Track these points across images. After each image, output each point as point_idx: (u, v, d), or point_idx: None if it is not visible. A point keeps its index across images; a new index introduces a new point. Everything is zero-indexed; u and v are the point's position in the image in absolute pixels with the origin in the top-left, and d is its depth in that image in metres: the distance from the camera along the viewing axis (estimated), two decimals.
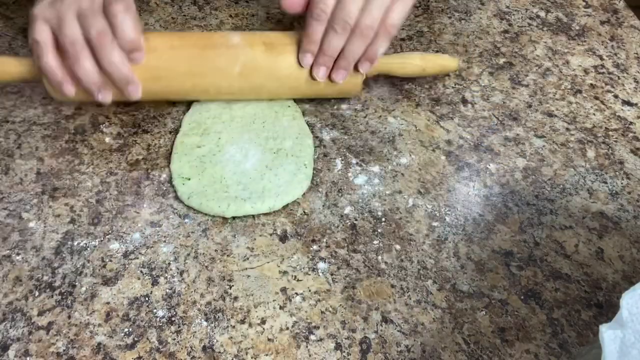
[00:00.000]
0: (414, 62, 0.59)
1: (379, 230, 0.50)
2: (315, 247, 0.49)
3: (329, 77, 0.55)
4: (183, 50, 0.53)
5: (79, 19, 0.48)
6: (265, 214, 0.51)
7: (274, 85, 0.56)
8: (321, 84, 0.55)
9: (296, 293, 0.46)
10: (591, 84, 0.64)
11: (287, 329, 0.44)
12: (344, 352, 0.43)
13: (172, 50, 0.53)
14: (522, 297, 0.47)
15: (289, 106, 0.58)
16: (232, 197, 0.50)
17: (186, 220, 0.50)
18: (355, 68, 0.55)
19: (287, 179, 0.52)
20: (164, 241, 0.49)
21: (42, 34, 0.49)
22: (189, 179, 0.52)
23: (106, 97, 0.51)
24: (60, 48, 0.49)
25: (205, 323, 0.44)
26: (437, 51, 0.66)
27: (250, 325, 0.44)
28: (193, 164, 0.53)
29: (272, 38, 0.55)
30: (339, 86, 0.55)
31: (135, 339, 0.43)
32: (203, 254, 0.48)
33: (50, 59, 0.49)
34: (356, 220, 0.51)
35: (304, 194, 0.52)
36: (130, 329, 0.44)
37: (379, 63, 0.56)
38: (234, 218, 0.50)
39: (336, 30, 0.51)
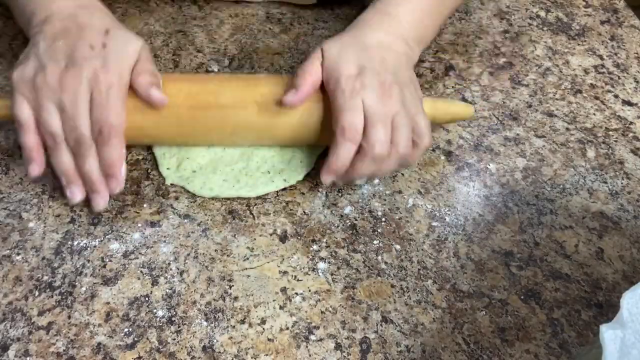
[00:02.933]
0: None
1: (379, 230, 0.50)
2: (315, 247, 0.49)
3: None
4: (170, 110, 0.49)
5: (60, 113, 0.45)
6: (265, 214, 0.51)
7: (269, 142, 0.54)
8: (316, 137, 0.52)
9: (296, 293, 0.46)
10: (591, 84, 0.64)
11: (287, 329, 0.44)
12: (344, 352, 0.43)
13: (159, 112, 0.49)
14: (522, 297, 0.47)
15: None
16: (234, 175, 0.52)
17: (186, 220, 0.50)
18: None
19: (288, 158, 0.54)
20: (164, 241, 0.49)
21: (22, 112, 0.46)
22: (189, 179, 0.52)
23: (75, 193, 0.48)
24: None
25: (205, 323, 0.44)
26: (436, 52, 0.66)
27: (250, 325, 0.44)
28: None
29: (267, 94, 0.50)
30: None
31: (135, 339, 0.43)
32: (203, 254, 0.48)
33: (28, 140, 0.46)
34: (356, 220, 0.51)
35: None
36: (130, 329, 0.44)
37: None
38: (233, 218, 0.50)
39: (375, 157, 0.47)
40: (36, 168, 0.47)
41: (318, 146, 0.54)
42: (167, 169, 0.53)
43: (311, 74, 0.49)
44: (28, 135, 0.46)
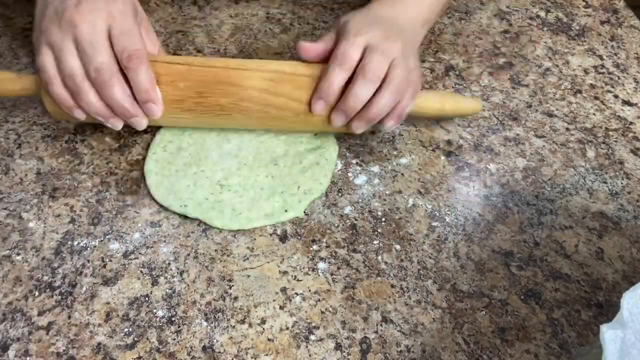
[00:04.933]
0: (432, 104, 0.55)
1: (379, 230, 0.50)
2: (315, 247, 0.49)
3: (348, 125, 0.51)
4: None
5: (77, 48, 0.46)
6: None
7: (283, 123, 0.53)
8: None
9: (296, 293, 0.46)
10: (591, 84, 0.64)
11: (287, 329, 0.44)
12: (344, 352, 0.43)
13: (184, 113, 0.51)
14: (522, 297, 0.47)
15: None
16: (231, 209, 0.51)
17: (186, 220, 0.50)
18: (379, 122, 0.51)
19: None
20: (164, 241, 0.49)
21: (46, 61, 0.46)
22: (187, 206, 0.50)
23: (116, 124, 0.49)
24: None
25: (205, 323, 0.44)
26: (436, 52, 0.66)
27: (250, 325, 0.44)
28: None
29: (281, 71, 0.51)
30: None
31: (135, 339, 0.43)
32: (203, 254, 0.48)
33: (57, 88, 0.47)
34: (356, 220, 0.51)
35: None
36: (130, 329, 0.44)
37: None
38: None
39: (368, 79, 0.48)
40: (79, 112, 0.48)
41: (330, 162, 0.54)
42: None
43: (326, 42, 0.52)
44: (54, 84, 0.47)
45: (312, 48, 0.51)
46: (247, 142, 0.55)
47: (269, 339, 0.44)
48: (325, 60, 0.51)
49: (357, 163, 0.55)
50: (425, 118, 0.58)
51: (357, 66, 0.49)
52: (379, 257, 0.49)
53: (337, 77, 0.49)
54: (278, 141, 0.55)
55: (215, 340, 0.43)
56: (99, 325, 0.44)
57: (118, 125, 0.50)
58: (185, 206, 0.50)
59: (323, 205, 0.52)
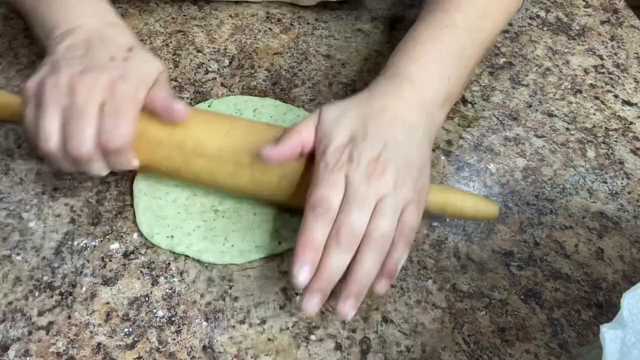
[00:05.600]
0: (455, 204, 0.47)
1: None
2: None
3: (331, 307, 0.43)
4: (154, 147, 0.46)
5: (61, 119, 0.42)
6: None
7: (251, 197, 0.49)
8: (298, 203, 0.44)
9: (296, 293, 0.46)
10: (591, 84, 0.64)
11: (287, 329, 0.44)
12: (344, 352, 0.43)
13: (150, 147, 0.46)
14: (522, 297, 0.47)
15: (299, 115, 0.57)
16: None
17: None
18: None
19: None
20: None
21: (27, 116, 0.43)
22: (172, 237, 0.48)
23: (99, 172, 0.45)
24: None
25: (205, 323, 0.44)
26: None
27: (250, 325, 0.44)
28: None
29: (254, 144, 0.45)
30: None
31: (135, 339, 0.43)
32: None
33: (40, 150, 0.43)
34: None
35: None
36: (130, 329, 0.44)
37: None
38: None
39: (340, 242, 0.39)
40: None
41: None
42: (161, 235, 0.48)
43: (300, 134, 0.43)
44: (44, 143, 0.43)
45: (279, 154, 0.43)
46: None
47: (269, 339, 0.44)
48: (299, 155, 0.44)
49: None
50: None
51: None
52: None
53: (317, 232, 0.39)
54: None
55: (215, 340, 0.43)
56: (99, 325, 0.44)
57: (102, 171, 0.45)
58: (171, 237, 0.48)
59: None
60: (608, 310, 0.47)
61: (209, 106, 0.58)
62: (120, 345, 0.43)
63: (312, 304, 0.39)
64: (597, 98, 0.63)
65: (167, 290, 0.46)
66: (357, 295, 0.39)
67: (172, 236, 0.48)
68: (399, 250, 0.41)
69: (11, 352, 0.42)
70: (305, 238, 0.39)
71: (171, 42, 0.64)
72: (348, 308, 0.39)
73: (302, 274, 0.39)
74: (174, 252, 0.48)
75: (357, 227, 0.39)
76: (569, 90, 0.63)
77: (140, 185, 0.51)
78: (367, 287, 0.40)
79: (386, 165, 0.41)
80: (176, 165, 0.47)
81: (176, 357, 0.42)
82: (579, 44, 0.69)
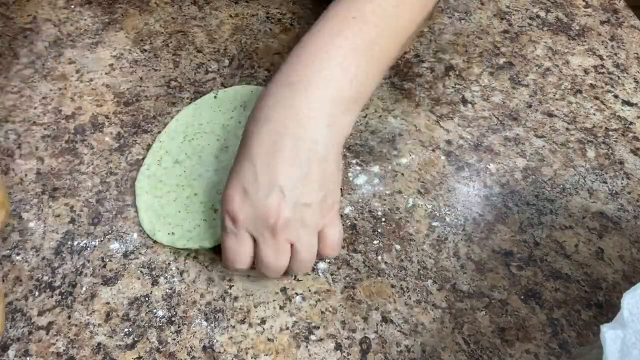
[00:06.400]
0: None
1: (379, 230, 0.50)
2: None
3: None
4: None
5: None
6: None
7: None
8: None
9: (296, 293, 0.46)
10: (591, 84, 0.64)
11: (287, 329, 0.44)
12: (344, 352, 0.43)
13: None
14: (522, 297, 0.47)
15: None
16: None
17: None
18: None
19: None
20: None
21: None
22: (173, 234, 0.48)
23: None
24: None
25: (205, 323, 0.44)
26: (436, 52, 0.66)
27: (250, 325, 0.44)
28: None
29: None
30: None
31: (135, 339, 0.43)
32: (203, 254, 0.48)
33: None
34: (356, 220, 0.51)
35: None
36: (130, 329, 0.44)
37: None
38: None
39: (270, 272, 0.42)
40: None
41: None
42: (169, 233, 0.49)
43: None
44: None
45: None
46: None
47: (269, 339, 0.44)
48: None
49: (357, 163, 0.55)
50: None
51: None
52: (379, 257, 0.49)
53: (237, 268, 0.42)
54: None
55: (215, 340, 0.43)
56: (99, 325, 0.44)
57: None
58: (172, 234, 0.48)
59: None
60: (608, 310, 0.47)
61: (215, 97, 0.58)
62: (120, 345, 0.43)
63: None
64: (597, 98, 0.63)
65: (167, 290, 0.46)
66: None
67: (173, 233, 0.48)
68: (329, 242, 0.42)
69: (11, 352, 0.42)
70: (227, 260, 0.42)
71: (171, 42, 0.64)
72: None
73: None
74: (174, 252, 0.48)
75: (276, 260, 0.41)
76: (569, 91, 0.63)
77: (142, 184, 0.51)
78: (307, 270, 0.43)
79: (286, 224, 0.40)
80: None
81: (176, 357, 0.42)
82: (579, 44, 0.69)
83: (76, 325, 0.44)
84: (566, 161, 0.57)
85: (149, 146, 0.55)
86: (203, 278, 0.47)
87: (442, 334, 0.45)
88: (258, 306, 0.45)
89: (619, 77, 0.65)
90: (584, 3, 0.74)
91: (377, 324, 0.45)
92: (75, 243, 0.48)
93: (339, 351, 0.43)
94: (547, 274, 0.49)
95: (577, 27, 0.71)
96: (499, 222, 0.52)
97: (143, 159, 0.54)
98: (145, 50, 0.63)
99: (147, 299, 0.45)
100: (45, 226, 0.49)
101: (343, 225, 0.51)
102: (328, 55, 0.42)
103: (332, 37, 0.42)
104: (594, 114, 0.61)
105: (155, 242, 0.48)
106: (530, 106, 0.61)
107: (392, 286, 0.47)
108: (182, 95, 0.59)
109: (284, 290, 0.46)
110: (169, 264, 0.47)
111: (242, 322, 0.45)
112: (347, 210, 0.52)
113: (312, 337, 0.44)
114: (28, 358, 0.42)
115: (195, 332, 0.44)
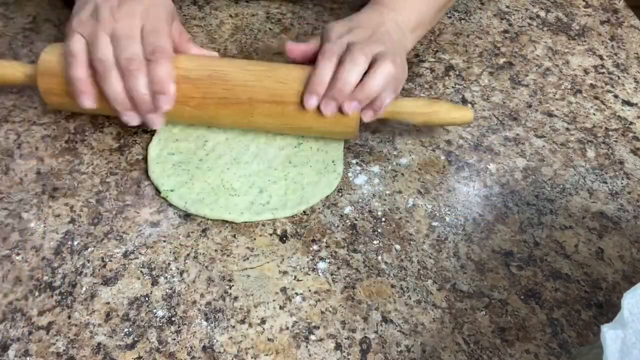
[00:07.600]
0: (418, 108, 0.55)
1: (379, 230, 0.50)
2: (315, 247, 0.49)
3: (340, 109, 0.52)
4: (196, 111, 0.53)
5: (112, 41, 0.49)
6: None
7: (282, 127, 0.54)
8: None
9: (296, 293, 0.46)
10: (591, 84, 0.64)
11: (287, 329, 0.44)
12: (344, 352, 0.43)
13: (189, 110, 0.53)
14: (522, 297, 0.47)
15: None
16: (247, 203, 0.51)
17: (186, 220, 0.50)
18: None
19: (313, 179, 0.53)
20: (164, 241, 0.49)
21: (76, 45, 0.50)
22: (173, 190, 0.51)
23: (131, 119, 0.51)
24: (91, 64, 0.50)
25: (205, 323, 0.44)
26: (436, 52, 0.66)
27: (250, 325, 0.44)
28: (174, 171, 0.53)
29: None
30: (337, 128, 0.53)
31: (135, 339, 0.43)
32: (203, 254, 0.48)
33: (79, 71, 0.49)
34: (356, 220, 0.51)
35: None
36: (130, 329, 0.44)
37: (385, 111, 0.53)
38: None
39: (354, 62, 0.50)
40: (88, 99, 0.50)
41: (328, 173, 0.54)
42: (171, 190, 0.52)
43: (310, 41, 0.55)
44: (78, 67, 0.49)
45: (297, 48, 0.55)
46: (255, 143, 0.55)
47: (269, 339, 0.44)
48: (311, 62, 0.53)
49: (357, 163, 0.55)
50: (415, 123, 0.56)
51: None
52: (379, 257, 0.49)
53: (324, 69, 0.51)
54: (284, 143, 0.55)
55: (215, 340, 0.43)
56: (99, 325, 0.44)
57: (134, 120, 0.51)
58: (185, 202, 0.50)
59: (323, 205, 0.52)
60: (608, 310, 0.47)
61: None
62: (120, 345, 0.43)
63: (327, 108, 0.51)
64: (597, 98, 0.63)
65: (167, 290, 0.46)
66: (360, 100, 0.51)
67: (185, 202, 0.51)
68: (388, 91, 0.51)
69: (11, 352, 0.42)
70: (315, 75, 0.51)
71: None
72: (351, 107, 0.51)
73: (310, 100, 0.51)
74: (174, 252, 0.48)
75: (366, 54, 0.51)
76: (569, 90, 0.63)
77: (155, 142, 0.55)
78: (371, 99, 0.51)
79: (380, 40, 0.52)
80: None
81: (176, 357, 0.42)
82: (579, 44, 0.69)
83: (76, 325, 0.44)
84: (566, 161, 0.57)
85: (148, 146, 0.55)
86: (203, 278, 0.47)
87: (442, 334, 0.45)
88: (258, 306, 0.45)
89: (619, 77, 0.65)
90: (584, 3, 0.74)
91: (377, 324, 0.45)
92: (75, 243, 0.48)
93: (339, 351, 0.43)
94: (547, 274, 0.49)
95: (577, 27, 0.71)
96: (499, 222, 0.52)
97: (143, 159, 0.54)
98: None
99: (147, 299, 0.45)
100: (45, 226, 0.49)
101: (342, 225, 0.51)
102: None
103: None
104: (594, 114, 0.61)
105: (155, 242, 0.48)
106: (530, 106, 0.61)
107: (392, 286, 0.47)
108: None
109: (284, 290, 0.46)
110: (169, 264, 0.47)
111: (242, 322, 0.45)
112: (347, 210, 0.52)
113: (312, 337, 0.44)
114: (28, 358, 0.42)
115: (195, 332, 0.44)
